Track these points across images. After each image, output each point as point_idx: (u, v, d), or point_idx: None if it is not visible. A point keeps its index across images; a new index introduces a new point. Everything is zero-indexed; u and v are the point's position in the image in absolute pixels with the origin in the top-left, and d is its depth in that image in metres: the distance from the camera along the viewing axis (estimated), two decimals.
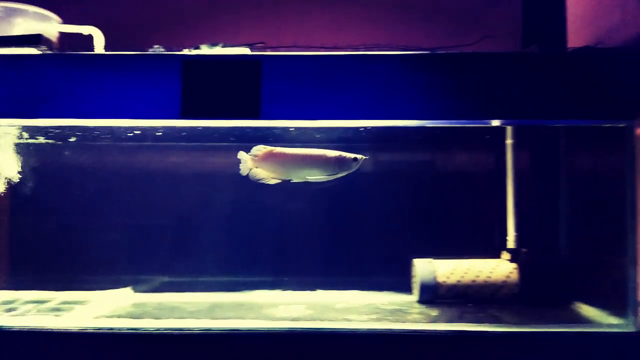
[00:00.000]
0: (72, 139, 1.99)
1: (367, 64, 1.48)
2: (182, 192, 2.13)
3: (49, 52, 1.57)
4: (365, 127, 1.64)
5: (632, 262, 1.46)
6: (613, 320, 1.54)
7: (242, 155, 1.63)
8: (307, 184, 2.13)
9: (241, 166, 1.64)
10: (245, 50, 1.55)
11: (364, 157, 1.63)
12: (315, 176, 1.64)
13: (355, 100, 1.47)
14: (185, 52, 1.52)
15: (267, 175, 1.63)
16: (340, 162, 1.61)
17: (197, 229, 2.13)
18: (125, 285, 1.97)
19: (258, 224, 2.08)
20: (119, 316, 1.59)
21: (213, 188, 2.11)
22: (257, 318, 1.55)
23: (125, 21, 2.45)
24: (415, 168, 1.86)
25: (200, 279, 2.04)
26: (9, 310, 1.65)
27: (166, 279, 2.12)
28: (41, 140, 2.01)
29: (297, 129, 1.70)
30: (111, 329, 1.46)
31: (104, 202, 2.16)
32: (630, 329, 1.45)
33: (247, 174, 1.65)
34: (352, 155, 1.62)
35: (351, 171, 1.64)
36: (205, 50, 1.54)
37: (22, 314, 1.60)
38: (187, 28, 2.49)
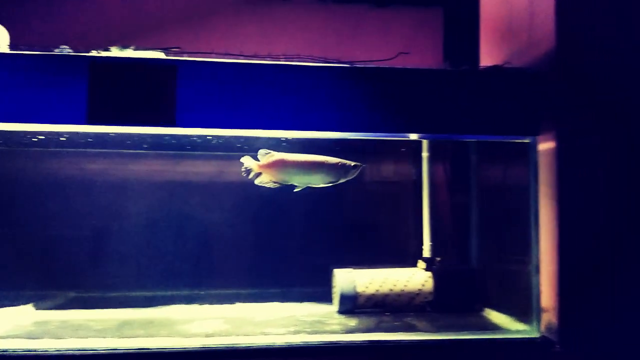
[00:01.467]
0: None
1: (285, 74, 1.47)
2: (93, 201, 2.00)
3: None
4: (286, 138, 1.63)
5: (535, 270, 1.54)
6: (520, 326, 1.62)
7: (247, 160, 1.60)
8: (226, 193, 2.08)
9: (245, 171, 1.61)
10: (160, 54, 1.48)
11: (362, 165, 1.65)
12: (318, 182, 1.65)
13: (274, 110, 1.45)
14: (94, 53, 1.43)
15: (271, 180, 1.62)
16: (343, 169, 1.64)
17: (108, 240, 2.00)
18: (26, 302, 1.82)
19: (174, 234, 2.00)
20: (15, 336, 1.46)
21: (126, 197, 2.00)
22: (169, 335, 1.48)
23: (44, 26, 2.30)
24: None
25: (111, 294, 1.93)
26: None
27: (73, 294, 1.97)
28: None
29: (215, 137, 1.66)
30: (5, 351, 1.34)
31: (4, 212, 1.99)
32: (535, 334, 1.53)
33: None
34: (352, 163, 1.64)
35: (350, 178, 1.66)
36: (115, 52, 1.45)
37: None
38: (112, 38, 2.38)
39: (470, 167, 1.98)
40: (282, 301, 1.90)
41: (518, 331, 1.59)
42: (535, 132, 1.55)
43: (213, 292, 1.94)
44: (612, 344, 1.49)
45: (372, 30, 2.55)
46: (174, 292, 1.95)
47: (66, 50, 1.46)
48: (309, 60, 1.53)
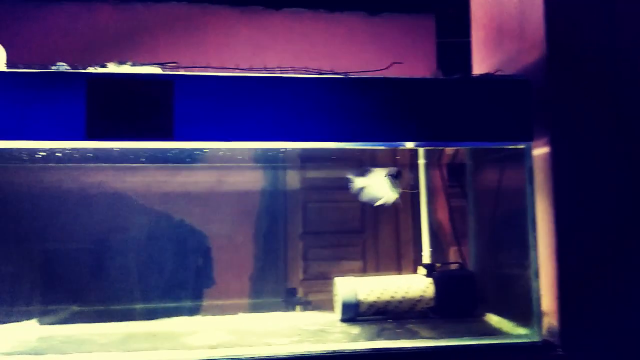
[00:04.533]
0: None
1: (280, 86, 1.48)
2: (93, 215, 2.02)
3: None
4: (285, 148, 1.65)
5: (535, 274, 1.55)
6: (521, 330, 1.63)
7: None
8: (225, 203, 2.10)
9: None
10: (157, 70, 1.50)
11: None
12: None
13: (271, 121, 1.47)
14: (91, 70, 1.45)
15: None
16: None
17: (109, 254, 2.02)
18: (29, 318, 1.82)
19: (175, 246, 2.01)
20: (20, 353, 1.47)
21: (126, 210, 2.02)
22: (173, 348, 1.49)
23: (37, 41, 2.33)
24: (334, 186, 1.89)
25: (114, 307, 1.94)
26: None
27: (76, 308, 1.99)
28: None
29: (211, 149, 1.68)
30: None
31: (4, 229, 2.00)
32: (536, 338, 1.53)
33: None
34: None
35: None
36: (112, 68, 1.47)
37: None
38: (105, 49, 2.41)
39: (466, 172, 2.00)
40: (284, 310, 1.91)
41: (520, 335, 1.60)
42: (529, 137, 1.56)
43: (215, 302, 1.95)
44: (614, 346, 1.49)
45: (366, 38, 2.58)
46: (176, 304, 1.97)
47: (63, 67, 1.47)
48: (304, 72, 1.54)
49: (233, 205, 2.08)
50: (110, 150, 1.65)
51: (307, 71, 1.53)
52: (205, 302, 1.97)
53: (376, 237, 2.13)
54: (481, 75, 1.63)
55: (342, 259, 2.14)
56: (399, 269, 1.89)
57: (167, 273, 2.02)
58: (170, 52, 2.42)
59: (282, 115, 1.47)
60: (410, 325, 1.69)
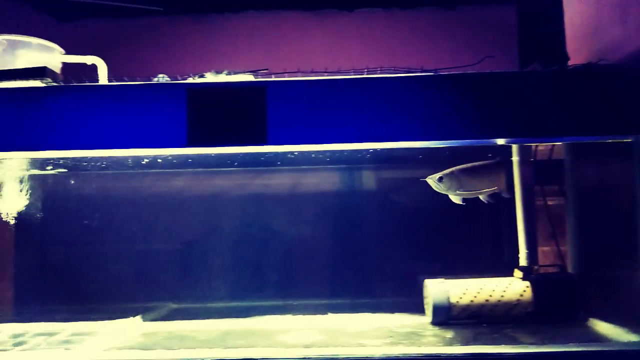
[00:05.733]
0: (73, 170, 1.99)
1: (370, 87, 1.48)
2: (188, 218, 2.13)
3: (53, 84, 1.58)
4: (373, 149, 1.65)
5: None
6: (632, 337, 1.52)
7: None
8: (314, 204, 2.13)
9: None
10: (249, 77, 1.56)
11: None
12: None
13: (362, 122, 1.47)
14: (190, 80, 1.53)
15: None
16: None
17: (203, 254, 2.12)
18: (131, 314, 1.95)
19: (265, 247, 2.08)
20: (130, 347, 1.57)
21: (218, 212, 2.11)
22: (270, 345, 1.53)
23: (127, 50, 2.50)
24: (421, 186, 1.86)
25: (208, 305, 2.03)
26: (19, 344, 1.63)
27: (173, 306, 2.10)
28: (48, 171, 2.01)
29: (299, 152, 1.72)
30: None
31: (109, 231, 2.16)
32: None
33: None
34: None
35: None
36: (210, 77, 1.55)
37: (32, 348, 1.58)
38: (188, 55, 2.54)
39: (564, 168, 1.90)
40: (373, 312, 1.91)
41: (630, 343, 1.49)
42: (638, 130, 1.46)
43: (304, 302, 1.99)
44: None
45: (443, 33, 2.52)
46: (267, 303, 2.03)
47: (164, 78, 1.57)
48: (390, 71, 1.54)
49: (321, 207, 2.11)
50: (194, 155, 1.74)
51: (395, 70, 1.53)
52: (294, 302, 2.01)
53: (462, 238, 2.07)
54: (581, 65, 1.54)
55: (426, 260, 2.10)
56: (487, 272, 1.82)
57: (257, 273, 2.08)
58: (248, 59, 2.50)
59: (373, 115, 1.47)
60: (507, 331, 1.62)
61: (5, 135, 1.52)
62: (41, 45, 1.73)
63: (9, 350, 1.56)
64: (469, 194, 1.77)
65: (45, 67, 1.59)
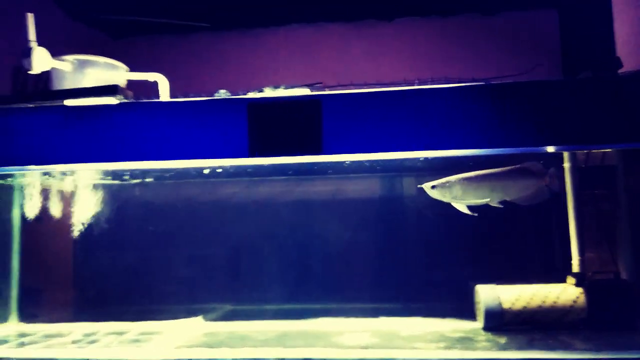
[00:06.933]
0: (138, 180, 2.13)
1: (421, 98, 1.53)
2: (245, 223, 2.23)
3: (125, 100, 1.71)
4: (424, 158, 1.69)
5: None
6: None
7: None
8: (367, 210, 2.19)
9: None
10: (305, 91, 1.64)
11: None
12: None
13: (414, 132, 1.52)
14: (250, 95, 1.63)
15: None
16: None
17: (258, 258, 2.22)
18: (192, 315, 2.06)
19: (318, 252, 2.15)
20: (197, 346, 1.67)
21: (275, 218, 2.20)
22: (326, 346, 1.60)
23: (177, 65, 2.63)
24: None
25: (263, 307, 2.12)
26: (92, 342, 1.76)
27: (230, 307, 2.20)
28: (115, 181, 2.16)
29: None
30: None
31: (171, 236, 2.29)
32: None
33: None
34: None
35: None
36: (268, 92, 1.64)
37: (106, 346, 1.70)
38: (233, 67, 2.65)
39: (616, 174, 1.88)
40: (424, 316, 1.95)
41: None
42: None
43: (356, 306, 2.05)
44: None
45: (483, 40, 2.53)
46: (319, 306, 2.10)
47: (226, 93, 1.67)
48: (440, 82, 1.58)
49: (369, 213, 2.17)
50: (245, 165, 1.83)
51: (445, 80, 1.57)
52: (346, 305, 2.07)
53: (517, 244, 2.08)
54: (633, 72, 1.53)
55: (476, 266, 2.12)
56: (536, 279, 1.82)
57: (310, 276, 2.16)
58: (287, 73, 2.59)
59: (425, 125, 1.52)
60: (562, 337, 1.63)
61: (81, 149, 1.66)
62: (107, 64, 1.86)
63: (84, 348, 1.69)
64: (467, 203, 1.75)
65: (117, 85, 1.72)
